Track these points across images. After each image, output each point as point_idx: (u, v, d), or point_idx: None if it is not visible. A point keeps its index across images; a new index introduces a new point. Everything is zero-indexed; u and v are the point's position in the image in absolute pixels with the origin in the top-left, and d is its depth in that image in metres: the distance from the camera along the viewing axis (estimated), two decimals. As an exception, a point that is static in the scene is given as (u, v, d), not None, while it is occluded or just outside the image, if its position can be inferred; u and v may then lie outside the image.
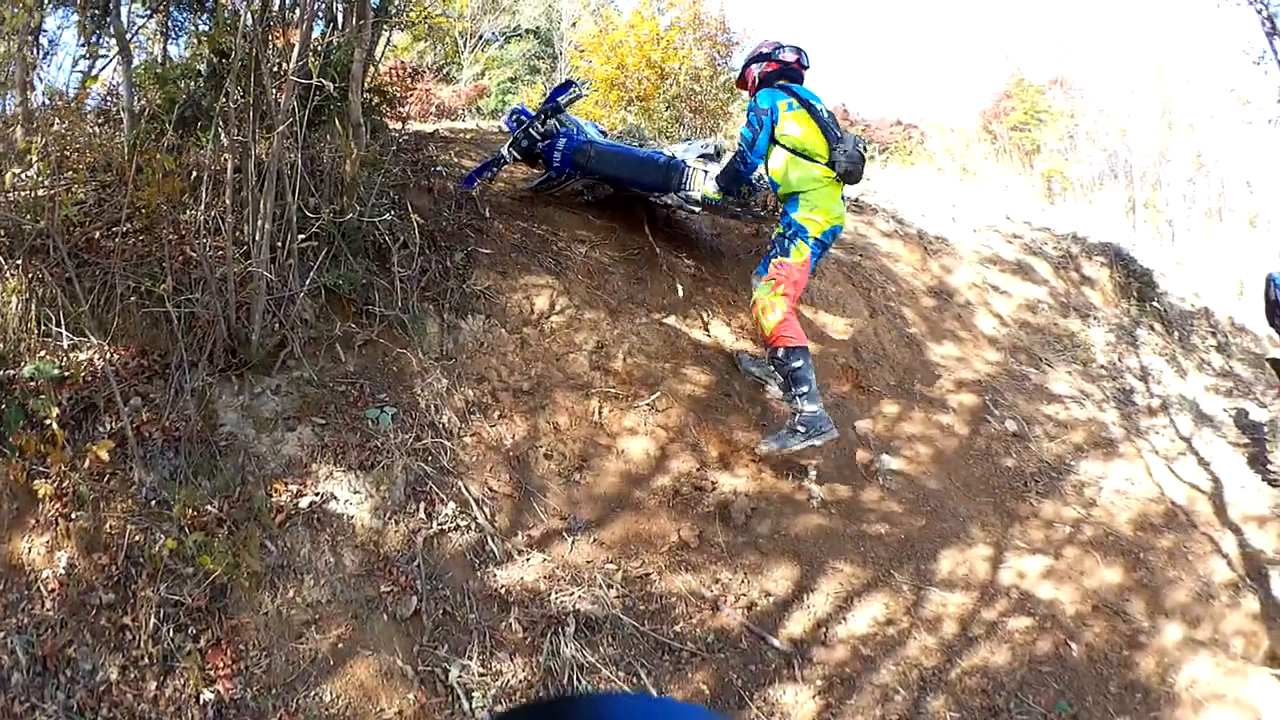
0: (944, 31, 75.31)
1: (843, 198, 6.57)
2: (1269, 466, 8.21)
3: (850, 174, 6.39)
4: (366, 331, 5.35)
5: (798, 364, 6.12)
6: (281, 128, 4.71)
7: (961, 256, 10.39)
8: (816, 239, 6.39)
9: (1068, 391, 8.75)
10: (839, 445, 6.51)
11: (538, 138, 7.06)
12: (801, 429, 5.90)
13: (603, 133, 7.79)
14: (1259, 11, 10.84)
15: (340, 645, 3.93)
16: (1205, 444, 8.80)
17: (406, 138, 7.71)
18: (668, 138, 12.80)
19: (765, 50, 6.91)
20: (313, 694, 3.72)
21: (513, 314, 6.12)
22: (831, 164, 6.38)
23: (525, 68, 24.74)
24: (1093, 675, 5.44)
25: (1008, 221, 12.36)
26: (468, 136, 9.05)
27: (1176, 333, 11.42)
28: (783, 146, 6.51)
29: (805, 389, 6.05)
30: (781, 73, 6.80)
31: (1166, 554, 6.69)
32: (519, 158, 7.15)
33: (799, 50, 6.85)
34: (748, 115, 6.65)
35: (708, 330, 7.01)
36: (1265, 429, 8.61)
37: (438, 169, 7.18)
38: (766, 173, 6.68)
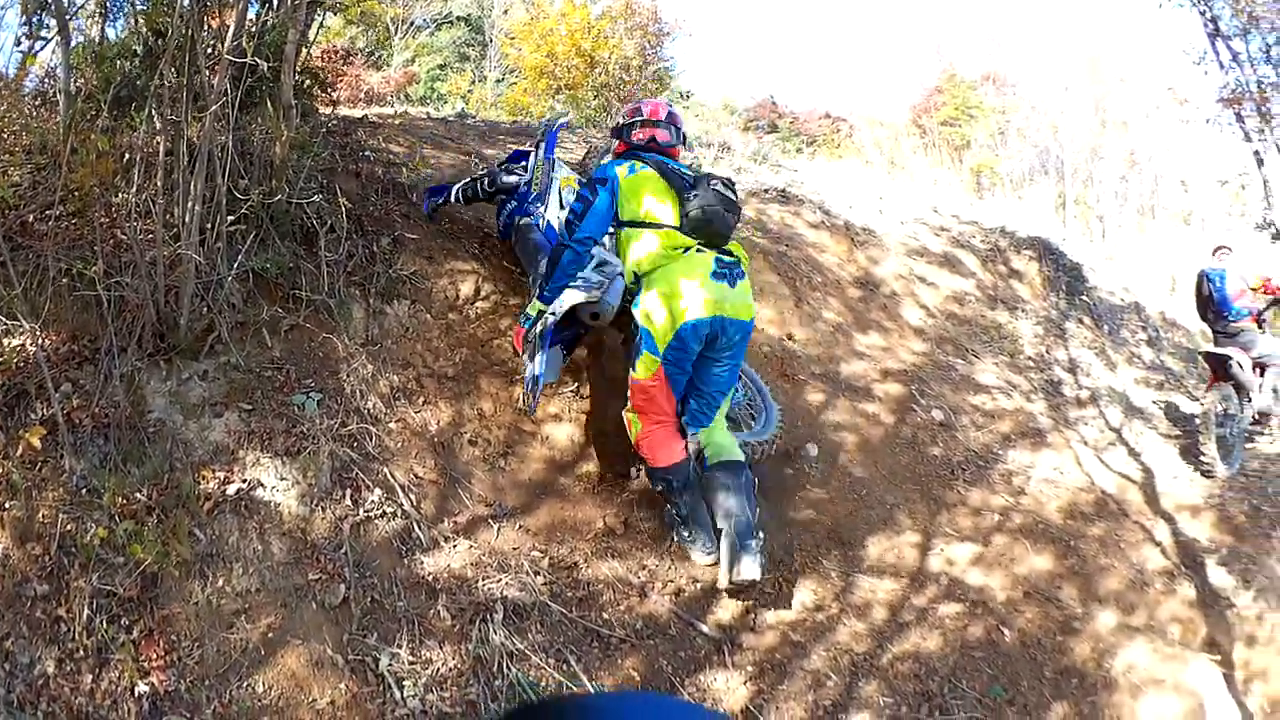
0: (876, 25, 76.58)
1: (725, 271, 5.19)
2: (1202, 457, 8.70)
3: (705, 223, 5.21)
4: (293, 316, 5.43)
5: (658, 487, 5.39)
6: (214, 108, 4.81)
7: (888, 248, 10.79)
8: (669, 344, 5.13)
9: (995, 382, 9.20)
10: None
11: (490, 191, 6.62)
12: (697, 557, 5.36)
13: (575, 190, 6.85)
14: (1202, 13, 11.43)
15: (270, 635, 4.01)
16: (1136, 435, 9.29)
17: (336, 122, 7.81)
18: (594, 126, 13.02)
19: (622, 122, 5.93)
20: (245, 684, 3.80)
21: (438, 299, 6.26)
22: (680, 224, 5.25)
23: (455, 55, 25.12)
24: (1026, 660, 5.74)
25: (935, 214, 12.84)
26: (396, 122, 9.19)
27: (1106, 326, 11.98)
28: (623, 223, 5.45)
29: (675, 511, 5.37)
30: (633, 155, 5.67)
31: (1098, 542, 7.09)
32: (464, 201, 6.83)
33: (657, 125, 5.75)
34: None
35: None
36: (1197, 421, 9.06)
37: (366, 154, 7.29)
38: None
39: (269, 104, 5.76)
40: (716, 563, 5.10)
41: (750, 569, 4.91)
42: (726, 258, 5.28)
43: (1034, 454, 8.22)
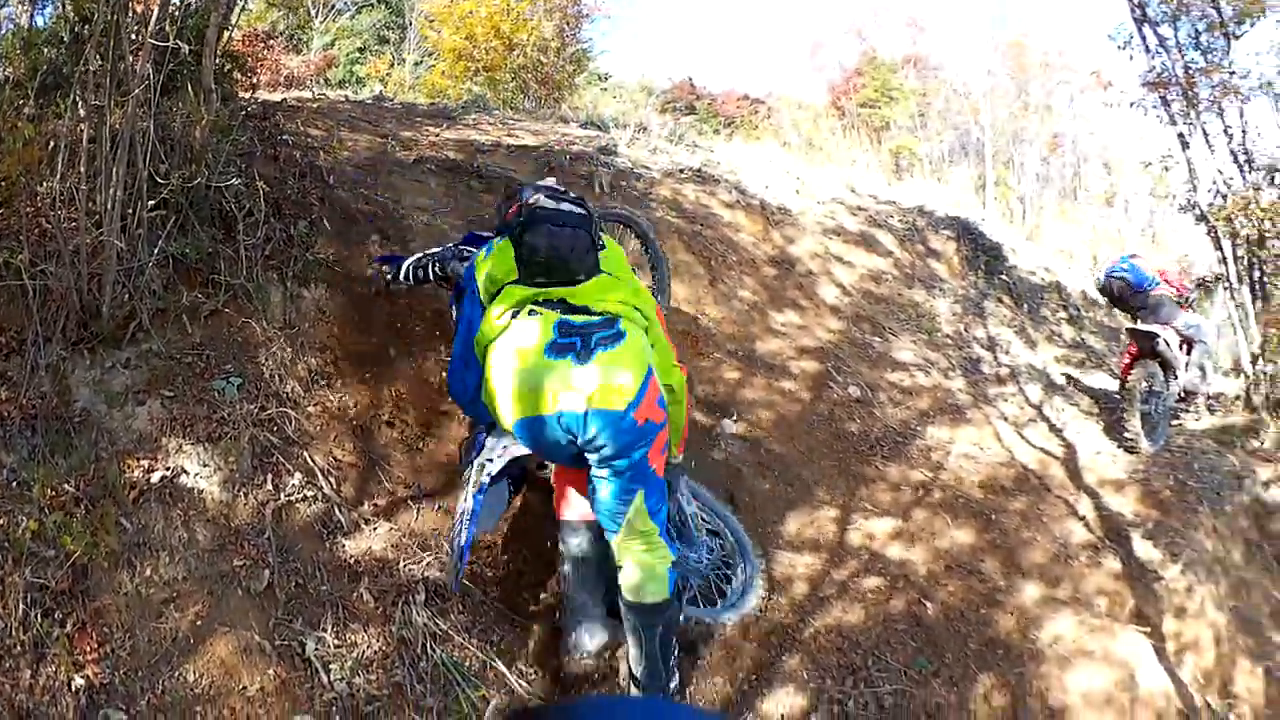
0: (796, 8, 77.04)
1: (573, 339, 3.93)
2: (1125, 433, 9.03)
3: (543, 263, 4.09)
4: (212, 301, 5.46)
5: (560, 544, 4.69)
6: (136, 93, 4.84)
7: (804, 227, 11.01)
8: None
9: (912, 359, 9.49)
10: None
11: (440, 275, 5.86)
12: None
13: None
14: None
15: (199, 623, 4.05)
16: (1056, 412, 9.60)
17: (256, 106, 7.81)
18: (512, 108, 13.08)
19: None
20: (177, 674, 3.83)
21: (355, 282, 6.32)
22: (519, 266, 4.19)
23: (375, 38, 25.36)
24: (951, 633, 5.94)
25: (853, 195, 13.12)
26: (314, 106, 9.23)
27: (1026, 305, 12.32)
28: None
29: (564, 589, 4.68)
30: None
31: (1019, 516, 7.35)
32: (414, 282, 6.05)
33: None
34: None
35: (550, 293, 7.31)
36: (1121, 398, 9.40)
37: (284, 137, 7.30)
38: None
39: (190, 88, 5.79)
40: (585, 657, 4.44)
41: None
42: (577, 317, 4.00)
43: (953, 430, 8.48)
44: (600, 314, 4.01)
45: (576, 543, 4.50)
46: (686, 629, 4.87)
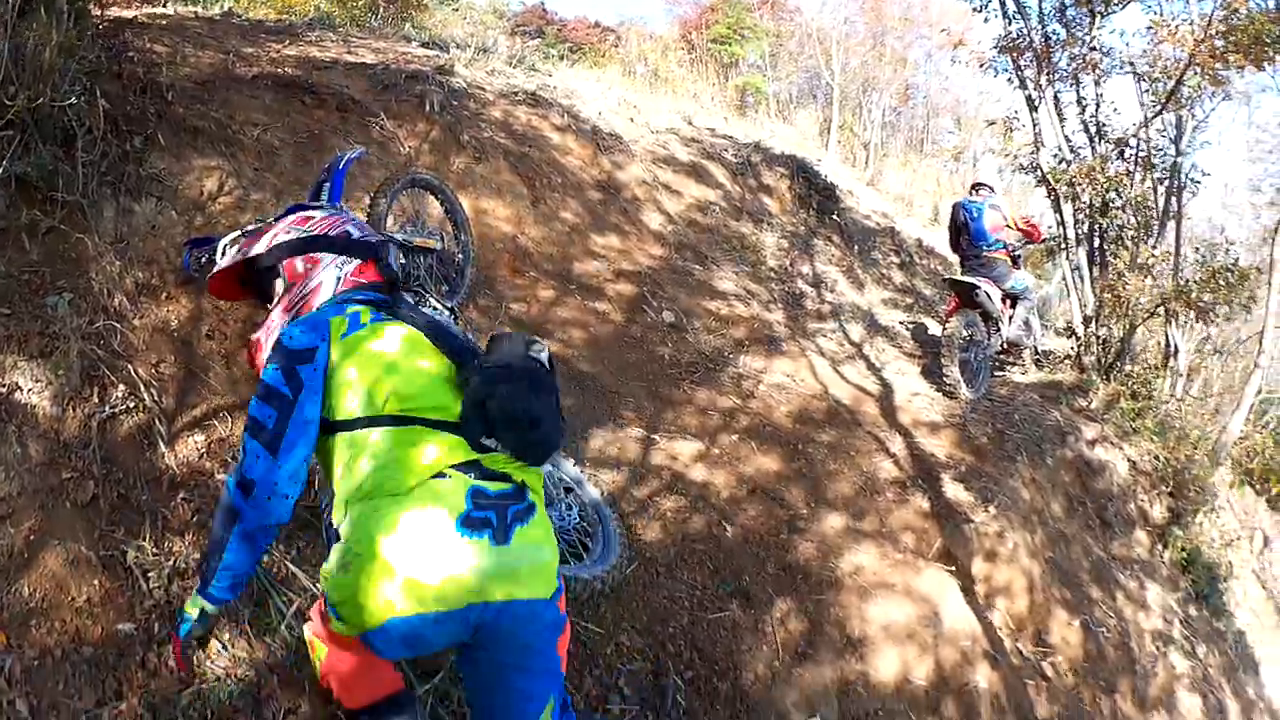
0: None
1: (488, 514, 3.09)
2: (944, 379, 9.53)
3: (518, 435, 3.21)
4: (50, 219, 5.41)
5: None
6: None
7: (634, 155, 11.26)
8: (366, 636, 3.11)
9: (733, 290, 9.88)
10: (496, 325, 7.16)
11: None
12: None
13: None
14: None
15: (32, 538, 4.05)
16: (877, 352, 10.10)
17: (106, 24, 7.66)
18: (359, 26, 12.99)
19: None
20: (13, 589, 3.84)
21: (184, 196, 6.32)
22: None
23: None
24: (749, 556, 6.28)
25: (689, 127, 13.46)
26: (163, 23, 9.05)
27: (857, 247, 12.83)
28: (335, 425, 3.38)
29: None
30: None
31: (827, 448, 7.76)
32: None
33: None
34: None
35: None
36: (941, 343, 9.76)
37: (130, 55, 7.19)
38: None
39: (43, 10, 5.73)
40: None
41: None
42: (492, 485, 3.18)
43: (767, 360, 8.88)
44: (515, 482, 3.23)
45: (396, 712, 3.60)
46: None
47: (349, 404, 3.22)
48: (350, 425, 3.22)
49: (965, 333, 9.84)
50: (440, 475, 3.11)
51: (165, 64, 7.26)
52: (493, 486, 3.14)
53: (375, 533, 2.98)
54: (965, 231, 10.80)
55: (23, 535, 4.03)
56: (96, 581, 4.06)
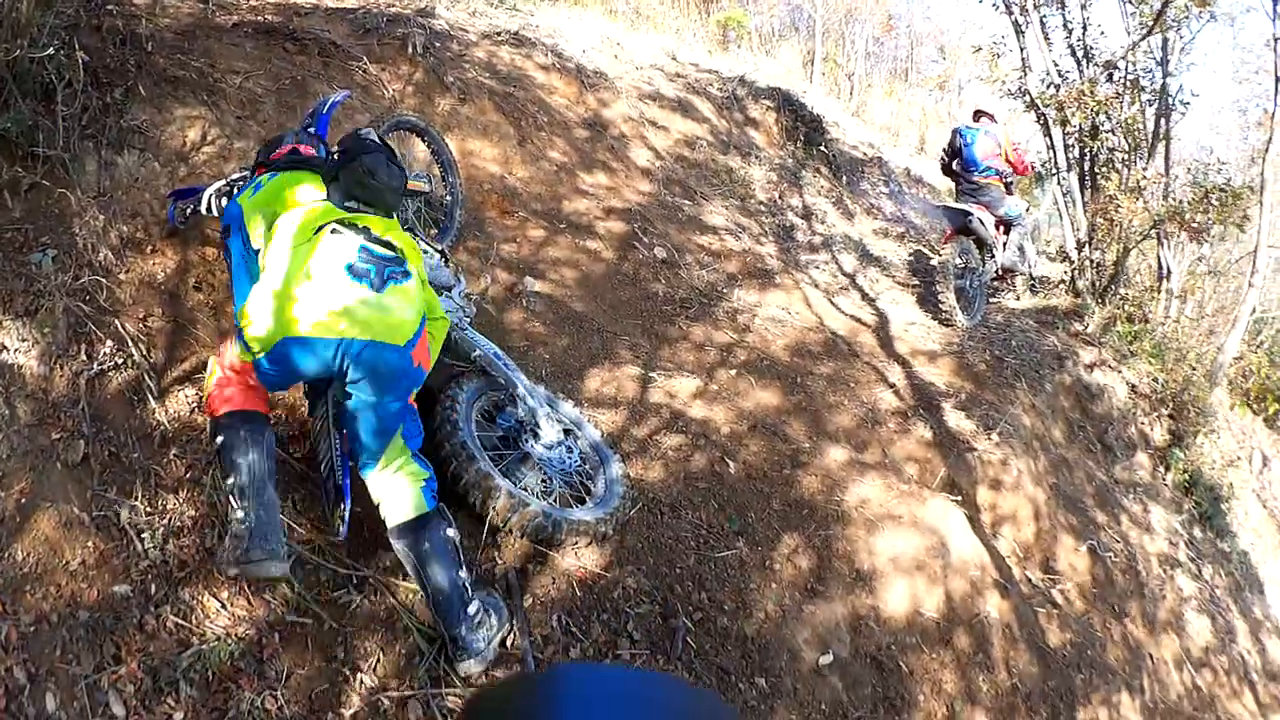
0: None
1: (371, 266, 4.06)
2: (941, 307, 9.33)
3: (372, 186, 4.26)
4: (31, 175, 5.33)
5: (220, 438, 4.20)
6: None
7: (620, 92, 11.08)
8: (266, 354, 4.05)
9: (723, 224, 9.70)
10: (487, 266, 7.00)
11: None
12: (228, 543, 4.09)
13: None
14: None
15: (24, 501, 3.99)
16: (870, 282, 9.94)
17: None
18: None
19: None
20: (6, 555, 3.78)
21: (166, 147, 6.21)
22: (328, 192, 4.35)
23: None
24: (754, 492, 6.14)
25: (673, 62, 13.28)
26: None
27: (845, 178, 12.69)
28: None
29: (233, 482, 4.16)
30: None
31: (826, 380, 7.61)
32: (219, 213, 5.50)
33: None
34: None
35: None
36: (936, 272, 9.61)
37: (109, 7, 7.03)
38: None
39: None
40: (240, 574, 4.08)
41: (474, 666, 4.22)
42: (377, 247, 4.10)
43: (761, 294, 8.73)
44: (397, 250, 4.14)
45: (247, 433, 4.19)
46: (566, 529, 4.95)
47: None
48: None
49: (960, 260, 9.77)
50: (335, 232, 4.05)
51: (144, 15, 7.10)
52: (377, 248, 4.08)
53: (286, 271, 3.97)
54: (959, 156, 10.65)
55: (13, 498, 3.95)
56: (90, 543, 3.99)
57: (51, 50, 5.67)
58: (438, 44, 9.14)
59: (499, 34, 10.56)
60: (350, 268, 3.96)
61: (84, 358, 4.68)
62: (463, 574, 4.23)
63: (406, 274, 4.13)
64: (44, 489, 4.06)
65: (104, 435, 4.44)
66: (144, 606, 3.87)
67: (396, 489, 4.24)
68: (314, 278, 3.93)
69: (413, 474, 4.28)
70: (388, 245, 4.13)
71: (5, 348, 4.47)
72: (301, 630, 4.10)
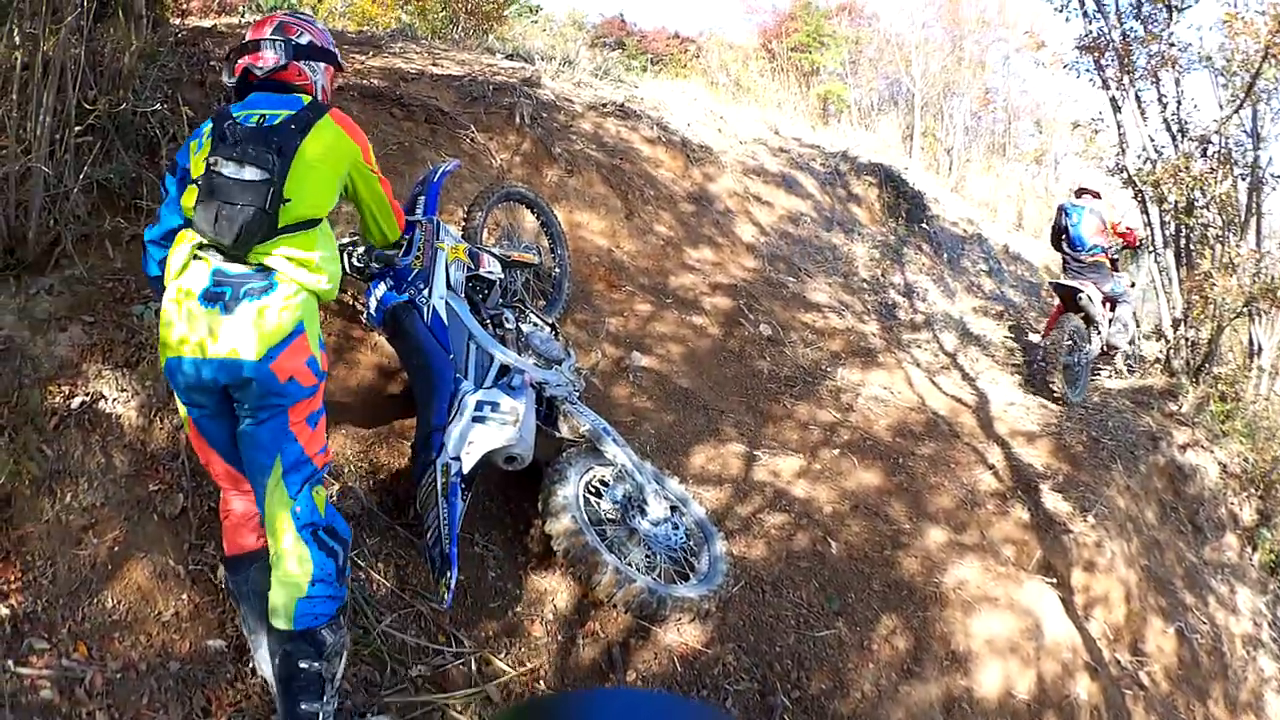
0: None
1: (223, 290, 3.65)
2: (1051, 385, 9.53)
3: (214, 227, 3.63)
4: (134, 226, 5.42)
5: None
6: (70, 20, 4.85)
7: (725, 166, 11.19)
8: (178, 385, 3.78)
9: (826, 301, 9.73)
10: (596, 340, 7.11)
11: (359, 265, 5.42)
12: None
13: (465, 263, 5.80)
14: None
15: (116, 549, 4.08)
16: (971, 361, 9.90)
17: (185, 32, 7.74)
18: (440, 38, 13.01)
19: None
20: (96, 601, 3.86)
21: None
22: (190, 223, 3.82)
23: None
24: (854, 572, 6.14)
25: (776, 136, 13.36)
26: (243, 33, 9.10)
27: (946, 255, 12.64)
28: None
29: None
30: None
31: (927, 461, 7.60)
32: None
33: (256, 47, 4.15)
34: None
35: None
36: (1045, 349, 9.84)
37: (212, 63, 7.23)
38: None
39: (121, 15, 5.75)
40: None
41: None
42: (232, 267, 3.70)
43: (864, 373, 8.74)
44: (256, 265, 3.73)
45: (239, 580, 4.00)
46: (670, 605, 4.81)
47: None
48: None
49: (1069, 339, 9.74)
50: (197, 258, 3.73)
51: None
52: (233, 269, 3.68)
53: (164, 301, 3.72)
54: (1066, 235, 10.73)
55: (106, 546, 4.04)
56: (185, 596, 4.07)
57: (156, 104, 5.85)
58: (544, 114, 9.27)
59: (604, 105, 10.69)
60: (204, 295, 3.64)
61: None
62: (314, 708, 3.60)
63: (270, 286, 3.70)
64: (139, 539, 4.15)
65: (203, 490, 4.50)
66: (237, 662, 3.93)
67: (278, 576, 3.65)
68: (175, 306, 3.70)
69: (294, 570, 3.63)
70: (244, 261, 3.73)
71: (104, 397, 4.57)
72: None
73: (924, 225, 12.98)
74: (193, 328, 3.61)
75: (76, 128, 5.16)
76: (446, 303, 5.26)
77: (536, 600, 5.01)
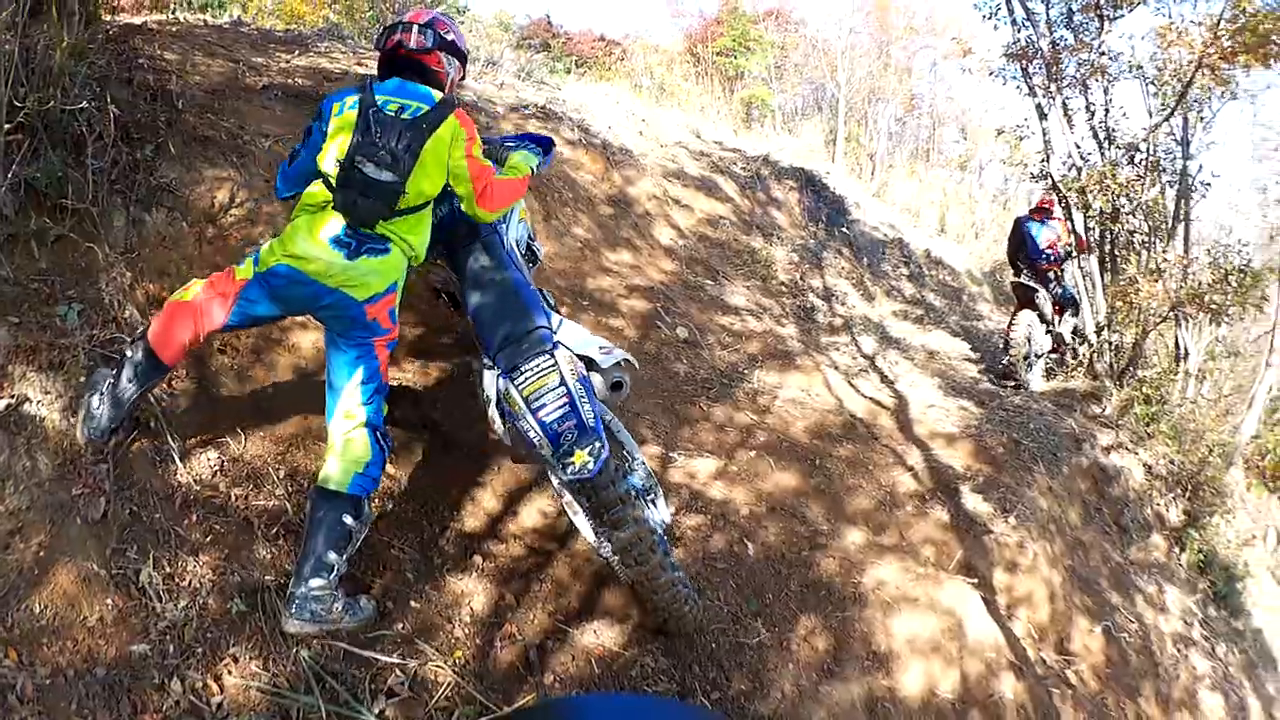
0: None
1: (350, 241, 4.46)
2: (1014, 373, 10.86)
3: (349, 209, 4.47)
4: (59, 227, 5.37)
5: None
6: (4, 15, 4.79)
7: (645, 169, 11.27)
8: (264, 271, 4.48)
9: (745, 304, 9.88)
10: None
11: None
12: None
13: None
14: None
15: (42, 554, 4.04)
16: (890, 364, 10.06)
17: (115, 29, 7.66)
18: (366, 38, 12.98)
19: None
20: (24, 607, 3.83)
21: (195, 207, 6.25)
22: (332, 190, 4.55)
23: None
24: (772, 573, 6.20)
25: (698, 140, 13.47)
26: (173, 29, 9.05)
27: (866, 259, 12.88)
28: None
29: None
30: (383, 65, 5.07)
31: (846, 463, 7.69)
32: None
33: (411, 28, 4.89)
34: None
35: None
36: (1011, 340, 11.16)
37: (140, 61, 7.16)
38: None
39: (54, 11, 5.69)
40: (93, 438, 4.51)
41: (290, 624, 4.25)
42: (360, 230, 4.49)
43: (782, 375, 8.85)
44: (379, 234, 4.58)
45: (142, 357, 4.52)
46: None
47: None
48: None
49: (1026, 332, 11.10)
50: (334, 215, 4.50)
51: (175, 72, 7.24)
52: (363, 229, 4.51)
53: (299, 222, 4.54)
54: (1024, 248, 11.84)
55: (32, 551, 4.01)
56: (109, 600, 4.05)
57: (84, 103, 5.80)
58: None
59: (526, 107, 10.72)
60: (335, 238, 4.49)
61: (106, 415, 4.77)
62: (333, 558, 4.36)
63: (386, 249, 4.62)
64: (63, 543, 4.12)
65: (125, 494, 4.50)
66: (162, 667, 3.93)
67: (334, 457, 4.53)
68: (307, 230, 4.55)
69: (358, 450, 4.54)
70: (372, 229, 4.59)
71: (29, 399, 4.53)
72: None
73: (845, 229, 13.16)
74: (317, 256, 4.42)
75: (6, 125, 5.11)
76: (515, 246, 5.60)
77: (454, 603, 5.03)
